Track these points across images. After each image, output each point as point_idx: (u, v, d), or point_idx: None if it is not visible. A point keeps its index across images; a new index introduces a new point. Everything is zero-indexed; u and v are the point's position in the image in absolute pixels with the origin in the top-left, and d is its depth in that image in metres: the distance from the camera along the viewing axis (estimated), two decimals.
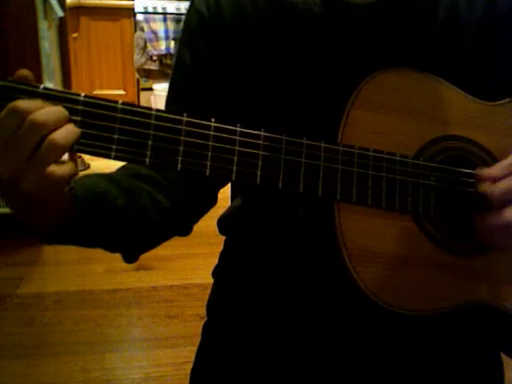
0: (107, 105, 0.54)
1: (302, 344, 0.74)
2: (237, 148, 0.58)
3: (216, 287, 0.87)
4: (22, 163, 0.50)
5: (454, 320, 0.66)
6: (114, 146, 0.54)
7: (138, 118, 0.55)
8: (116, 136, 0.54)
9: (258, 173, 0.58)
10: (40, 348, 2.00)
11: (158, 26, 4.62)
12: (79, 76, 4.65)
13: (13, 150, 0.50)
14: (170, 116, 0.56)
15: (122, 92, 4.96)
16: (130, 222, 0.69)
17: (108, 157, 0.54)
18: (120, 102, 0.55)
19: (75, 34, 4.55)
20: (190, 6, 0.76)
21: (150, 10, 4.64)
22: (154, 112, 0.56)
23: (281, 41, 0.71)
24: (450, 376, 0.75)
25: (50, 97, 0.53)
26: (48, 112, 0.51)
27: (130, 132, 0.55)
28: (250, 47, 0.72)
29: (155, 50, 4.60)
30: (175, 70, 0.79)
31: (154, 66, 4.67)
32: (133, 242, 0.73)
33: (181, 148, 0.56)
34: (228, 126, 0.58)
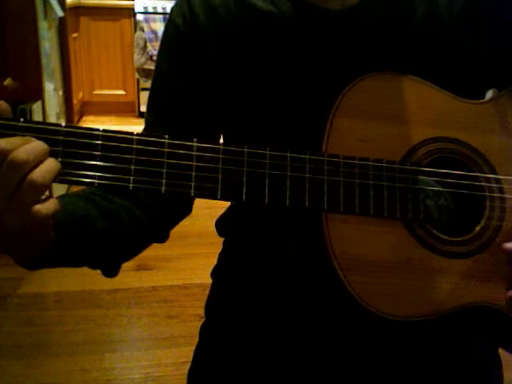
0: (88, 133, 0.54)
1: (298, 345, 0.74)
2: (221, 166, 0.57)
3: (214, 288, 0.87)
4: (3, 204, 0.50)
5: (451, 322, 0.66)
6: (96, 174, 0.54)
7: (119, 144, 0.55)
8: (98, 163, 0.54)
9: (244, 189, 0.58)
10: (40, 348, 2.01)
11: (158, 26, 4.62)
12: (79, 76, 4.65)
13: (18, 203, 0.50)
14: (152, 139, 0.56)
15: (121, 92, 4.96)
16: (111, 242, 0.70)
17: (91, 185, 0.54)
18: (101, 128, 0.55)
19: (75, 34, 4.55)
20: (168, 17, 0.77)
21: (150, 10, 4.65)
22: (135, 137, 0.55)
23: (257, 50, 0.71)
24: (450, 377, 0.75)
25: (30, 129, 0.52)
26: (28, 150, 0.50)
27: (112, 158, 0.54)
28: (226, 57, 0.72)
29: (155, 49, 4.59)
30: (154, 82, 0.79)
31: (153, 66, 4.67)
32: (113, 259, 0.73)
33: (164, 170, 0.56)
34: (210, 145, 0.58)
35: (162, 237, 0.80)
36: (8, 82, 2.49)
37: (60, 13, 3.14)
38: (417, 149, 0.65)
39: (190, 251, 2.61)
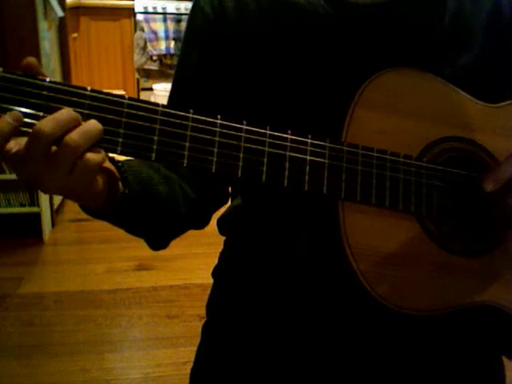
0: (114, 100, 0.54)
1: (303, 343, 0.74)
2: (242, 144, 0.58)
3: (216, 287, 0.87)
4: (41, 169, 0.52)
5: (456, 320, 0.66)
6: (120, 140, 0.54)
7: (144, 113, 0.55)
8: (122, 130, 0.54)
9: (264, 170, 0.59)
10: (40, 348, 2.01)
11: (158, 26, 4.62)
12: (79, 76, 4.65)
13: (53, 169, 0.51)
14: (177, 112, 0.56)
15: (122, 92, 4.96)
16: (166, 209, 0.71)
17: (114, 152, 0.55)
18: (127, 96, 0.55)
19: (75, 34, 4.55)
20: (195, 4, 0.77)
21: (150, 10, 4.64)
22: (160, 108, 0.56)
23: (285, 41, 0.71)
24: (451, 376, 0.75)
25: (56, 90, 0.53)
26: (81, 133, 0.51)
27: (136, 126, 0.55)
28: (254, 48, 0.72)
29: (155, 49, 4.60)
30: (180, 68, 0.79)
31: (154, 66, 4.67)
32: (163, 230, 0.74)
33: (187, 144, 0.56)
34: (234, 124, 0.58)
35: (203, 222, 0.81)
36: None
37: (60, 13, 3.14)
38: (433, 146, 0.66)
39: (190, 251, 2.61)
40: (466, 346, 0.75)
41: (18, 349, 2.00)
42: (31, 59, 0.53)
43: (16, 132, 0.51)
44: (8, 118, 0.51)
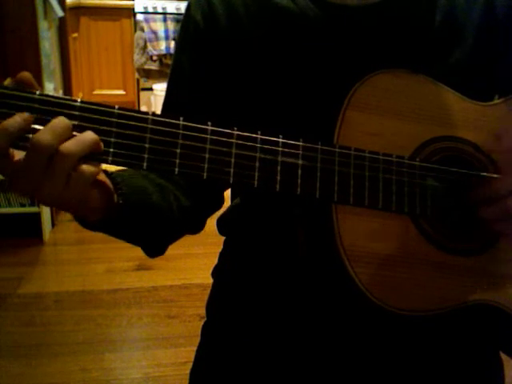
0: (104, 110, 0.54)
1: (302, 344, 0.74)
2: (234, 151, 0.58)
3: (215, 287, 0.87)
4: (60, 189, 0.52)
5: (454, 320, 0.66)
6: (111, 150, 0.54)
7: (134, 123, 0.55)
8: (113, 140, 0.54)
9: (256, 175, 0.59)
10: (40, 348, 2.01)
11: (158, 26, 4.62)
12: (79, 76, 4.65)
13: (50, 179, 0.51)
14: (167, 120, 0.56)
15: (121, 92, 4.96)
16: (161, 217, 0.71)
17: (105, 161, 0.55)
18: (116, 106, 0.55)
19: (75, 34, 4.55)
20: (186, 12, 0.77)
21: (150, 9, 4.64)
22: (150, 116, 0.56)
23: (276, 45, 0.71)
24: (450, 376, 0.75)
25: (46, 103, 0.52)
26: (74, 142, 0.52)
27: (126, 136, 0.55)
28: (246, 53, 0.72)
29: (155, 49, 4.60)
30: (173, 75, 0.79)
31: (154, 66, 4.67)
32: (159, 238, 0.74)
33: (178, 151, 0.56)
34: (225, 130, 0.58)
35: (198, 227, 0.81)
36: (8, 82, 2.49)
37: (60, 13, 3.14)
38: (426, 146, 0.66)
39: (190, 251, 2.61)
40: (465, 345, 0.75)
41: (18, 349, 2.00)
42: (26, 74, 0.53)
43: (22, 135, 0.51)
44: (17, 118, 0.51)
